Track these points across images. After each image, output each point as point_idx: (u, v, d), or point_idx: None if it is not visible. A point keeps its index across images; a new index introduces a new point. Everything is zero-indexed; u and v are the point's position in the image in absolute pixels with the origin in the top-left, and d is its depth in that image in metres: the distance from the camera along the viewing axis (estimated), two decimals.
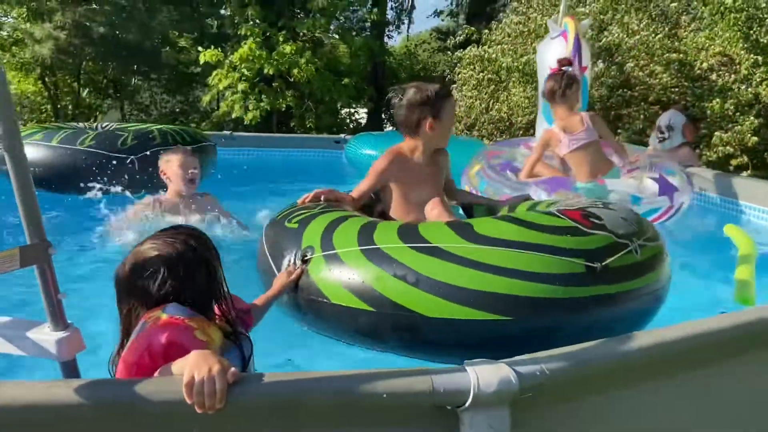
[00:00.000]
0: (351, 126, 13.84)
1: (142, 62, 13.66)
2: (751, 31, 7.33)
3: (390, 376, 1.05)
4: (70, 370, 1.29)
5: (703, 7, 7.89)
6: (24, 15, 12.22)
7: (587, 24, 5.00)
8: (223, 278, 1.50)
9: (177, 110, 15.29)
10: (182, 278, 1.37)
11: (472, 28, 10.21)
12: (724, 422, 1.45)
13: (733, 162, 7.24)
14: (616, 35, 7.61)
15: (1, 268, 1.14)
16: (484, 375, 1.04)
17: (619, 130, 7.80)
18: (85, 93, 15.08)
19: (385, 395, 1.02)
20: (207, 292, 1.42)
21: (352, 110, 14.26)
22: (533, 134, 8.86)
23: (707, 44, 7.66)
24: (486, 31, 9.46)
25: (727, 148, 7.17)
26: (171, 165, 3.64)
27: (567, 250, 1.79)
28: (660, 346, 1.26)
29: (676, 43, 7.92)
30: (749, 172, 7.21)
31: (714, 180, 5.19)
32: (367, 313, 1.77)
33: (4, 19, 13.36)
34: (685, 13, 8.62)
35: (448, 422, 1.08)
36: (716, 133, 7.25)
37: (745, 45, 7.27)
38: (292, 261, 2.05)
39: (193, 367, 1.04)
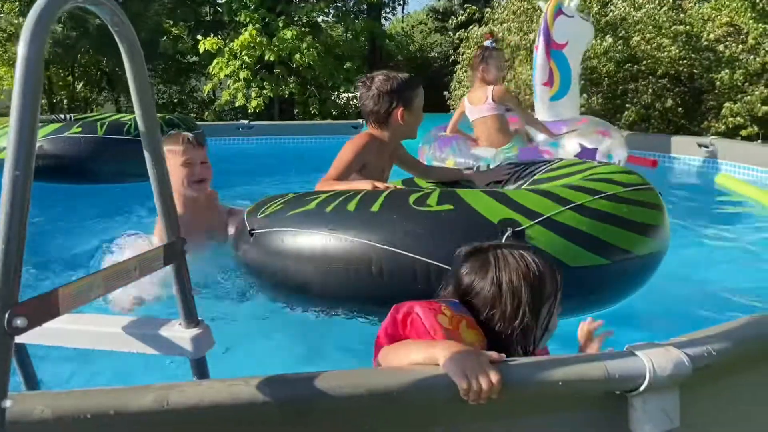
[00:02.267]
0: (351, 110, 13.79)
1: None
2: (759, 0, 7.33)
3: (563, 363, 1.08)
4: (202, 367, 1.31)
5: None
6: (16, 9, 12.02)
7: (576, 2, 5.01)
8: (537, 327, 1.30)
9: (175, 101, 15.14)
10: (494, 299, 1.28)
11: (474, 7, 10.16)
12: None
13: (743, 132, 7.28)
14: (622, 9, 7.59)
15: (149, 268, 1.16)
16: (657, 359, 1.06)
17: (627, 104, 7.82)
18: (79, 86, 14.90)
19: (560, 383, 1.04)
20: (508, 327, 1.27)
21: (350, 95, 14.19)
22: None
23: (713, 15, 7.67)
24: (488, 10, 9.42)
25: (737, 118, 7.21)
26: (168, 160, 2.79)
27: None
28: None
29: (682, 15, 7.91)
30: (759, 141, 7.26)
31: (731, 149, 5.25)
32: (606, 267, 1.85)
33: None
34: None
35: (616, 407, 1.09)
36: (726, 104, 7.29)
37: (753, 14, 7.27)
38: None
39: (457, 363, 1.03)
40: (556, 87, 4.94)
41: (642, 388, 1.06)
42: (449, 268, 1.70)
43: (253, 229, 2.07)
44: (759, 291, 2.58)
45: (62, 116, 5.68)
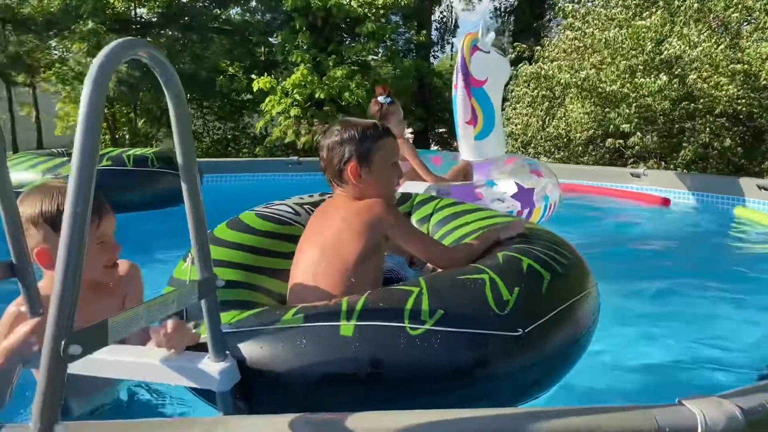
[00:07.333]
0: None
1: (195, 91, 14.07)
2: None
3: (609, 412, 1.02)
4: (227, 400, 1.30)
5: (766, 16, 7.67)
6: (85, 49, 12.72)
7: (492, 37, 4.82)
8: None
9: (228, 136, 15.65)
10: None
11: (524, 45, 10.18)
12: None
13: None
14: (677, 47, 7.44)
15: (185, 301, 1.17)
16: (709, 412, 1.00)
17: (684, 143, 7.60)
18: (141, 123, 15.60)
19: None
20: None
21: None
22: (592, 150, 8.70)
23: None
24: (538, 48, 9.42)
25: None
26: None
27: None
28: None
29: (739, 54, 7.70)
30: None
31: None
32: None
33: (67, 54, 13.97)
34: (746, 23, 8.38)
35: None
36: None
37: None
38: None
39: None
40: (480, 125, 4.73)
41: None
42: None
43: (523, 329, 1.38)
44: None
45: (57, 150, 5.87)
